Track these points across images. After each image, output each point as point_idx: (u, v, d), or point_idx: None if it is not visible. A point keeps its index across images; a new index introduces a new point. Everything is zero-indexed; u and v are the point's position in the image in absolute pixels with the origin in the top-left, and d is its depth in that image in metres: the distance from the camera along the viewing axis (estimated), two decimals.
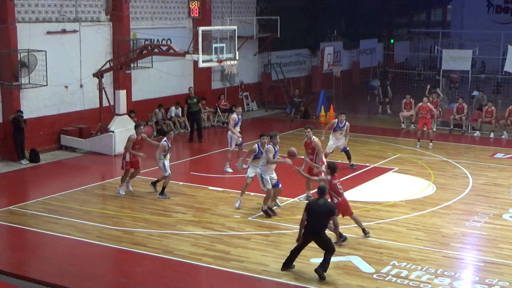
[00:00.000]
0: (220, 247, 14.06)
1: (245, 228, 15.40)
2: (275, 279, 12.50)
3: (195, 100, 26.53)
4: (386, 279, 12.52)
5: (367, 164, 21.69)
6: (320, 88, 34.35)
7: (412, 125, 28.47)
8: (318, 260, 13.16)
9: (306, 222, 12.58)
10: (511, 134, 26.77)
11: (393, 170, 21.06)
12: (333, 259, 13.28)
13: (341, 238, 14.24)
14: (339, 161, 20.96)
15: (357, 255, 13.62)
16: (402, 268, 13.01)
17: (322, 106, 31.19)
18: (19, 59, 21.35)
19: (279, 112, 32.49)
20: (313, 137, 17.54)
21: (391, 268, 12.98)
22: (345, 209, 14.63)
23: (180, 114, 27.62)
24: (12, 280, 12.09)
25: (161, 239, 14.54)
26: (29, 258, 13.84)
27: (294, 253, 12.83)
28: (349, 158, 21.29)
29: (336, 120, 21.63)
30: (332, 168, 14.65)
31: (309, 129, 17.64)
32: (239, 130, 21.18)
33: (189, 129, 26.37)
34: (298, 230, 12.73)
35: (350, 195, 18.03)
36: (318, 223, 12.61)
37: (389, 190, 18.93)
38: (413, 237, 14.85)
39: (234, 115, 21.17)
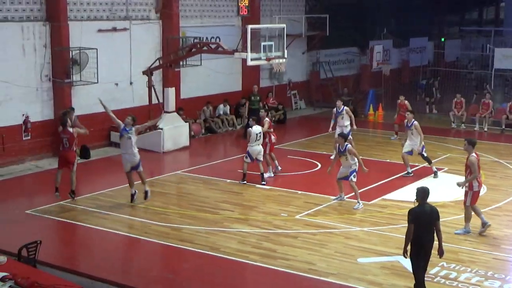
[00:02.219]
0: (267, 245, 14.06)
1: (292, 226, 15.37)
2: (321, 278, 12.44)
3: (258, 98, 26.87)
4: (435, 280, 12.35)
5: (416, 164, 21.42)
6: (369, 86, 34.07)
7: (463, 124, 28.06)
8: (366, 259, 13.08)
9: (412, 234, 11.09)
10: None
11: (442, 170, 20.78)
12: (381, 258, 13.25)
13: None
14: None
15: None
16: (451, 269, 12.83)
17: (371, 104, 30.98)
18: (71, 56, 21.70)
19: (327, 110, 32.23)
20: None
21: (439, 270, 12.81)
22: None
23: (228, 112, 27.72)
24: (62, 274, 12.27)
25: (208, 236, 14.61)
26: (79, 252, 14.06)
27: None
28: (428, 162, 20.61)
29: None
30: None
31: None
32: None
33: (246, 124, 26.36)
34: (404, 244, 11.36)
35: (398, 194, 17.97)
36: (427, 234, 11.22)
37: (438, 190, 18.61)
38: (462, 238, 14.62)
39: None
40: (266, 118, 20.08)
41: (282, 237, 14.60)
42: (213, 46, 22.86)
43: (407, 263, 13.04)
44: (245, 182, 18.97)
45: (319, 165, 21.18)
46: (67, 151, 17.00)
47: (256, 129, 19.08)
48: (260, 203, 17.13)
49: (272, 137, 20.12)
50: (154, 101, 23.59)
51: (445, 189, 18.71)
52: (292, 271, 12.73)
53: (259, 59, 21.67)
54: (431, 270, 12.71)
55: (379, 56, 34.43)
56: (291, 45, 28.99)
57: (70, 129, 17.11)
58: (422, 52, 41.25)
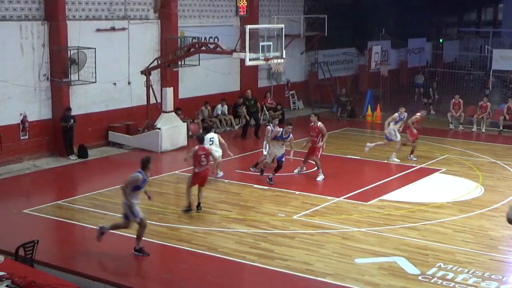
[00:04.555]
0: (264, 245, 14.06)
1: (289, 226, 15.37)
2: (318, 279, 12.44)
3: (252, 101, 26.90)
4: (432, 281, 12.36)
5: (414, 165, 21.46)
6: (367, 87, 34.11)
7: (461, 125, 28.10)
8: (363, 260, 13.10)
9: None
10: None
11: (440, 171, 20.80)
12: (378, 259, 13.27)
13: None
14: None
15: (402, 256, 13.48)
16: (448, 270, 12.83)
17: (369, 105, 30.99)
18: (69, 56, 21.69)
19: (325, 111, 32.31)
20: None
21: (436, 270, 12.81)
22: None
23: (226, 112, 27.72)
24: (60, 273, 12.26)
25: (205, 236, 14.61)
26: (76, 252, 14.05)
27: None
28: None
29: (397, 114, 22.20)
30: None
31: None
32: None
33: (244, 124, 26.59)
34: None
35: (396, 195, 17.96)
36: None
37: (436, 191, 18.69)
38: (459, 239, 14.63)
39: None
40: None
41: (280, 238, 14.60)
42: (211, 46, 22.85)
43: (404, 264, 13.08)
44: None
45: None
46: (206, 170, 16.50)
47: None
48: (258, 204, 17.14)
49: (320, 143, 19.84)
50: (152, 101, 23.57)
51: (443, 190, 18.75)
52: (289, 272, 12.72)
53: (258, 59, 21.67)
54: (428, 271, 12.73)
55: (377, 57, 34.50)
56: (290, 45, 29.02)
57: (207, 146, 17.08)
58: (421, 52, 41.28)
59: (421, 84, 35.55)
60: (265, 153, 19.75)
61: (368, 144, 22.44)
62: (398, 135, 22.04)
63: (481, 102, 28.37)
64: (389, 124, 21.99)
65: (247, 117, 26.78)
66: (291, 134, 18.98)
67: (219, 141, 19.29)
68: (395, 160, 21.88)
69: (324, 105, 33.13)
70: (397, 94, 33.23)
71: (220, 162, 19.69)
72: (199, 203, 16.37)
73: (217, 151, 18.82)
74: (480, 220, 16.04)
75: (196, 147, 16.42)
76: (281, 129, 19.06)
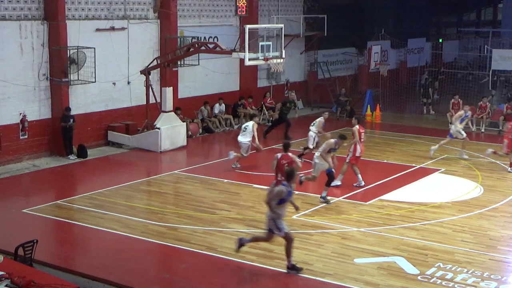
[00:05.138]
0: (264, 245, 14.01)
1: (289, 226, 15.30)
2: (318, 278, 12.45)
3: (292, 105, 26.56)
4: (431, 281, 12.36)
5: (414, 165, 21.47)
6: (366, 87, 34.12)
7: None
8: (363, 260, 13.10)
9: None
10: None
11: (439, 171, 20.80)
12: (377, 259, 13.27)
13: None
14: None
15: (401, 256, 13.48)
16: (447, 270, 12.83)
17: (369, 105, 30.98)
18: (68, 55, 21.69)
19: (324, 111, 32.18)
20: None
21: (436, 270, 12.81)
22: None
23: (224, 110, 27.71)
24: (59, 273, 12.27)
25: (204, 236, 14.61)
26: (75, 252, 14.05)
27: None
28: None
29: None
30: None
31: None
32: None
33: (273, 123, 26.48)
34: None
35: (395, 195, 17.97)
36: None
37: (435, 191, 18.69)
38: (459, 239, 14.64)
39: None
40: (356, 126, 19.05)
41: (279, 237, 14.57)
42: (211, 46, 22.86)
43: (403, 264, 13.08)
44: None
45: None
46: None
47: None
48: (257, 203, 17.11)
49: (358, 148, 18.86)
50: (152, 100, 23.58)
51: (442, 190, 18.76)
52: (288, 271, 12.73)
53: (257, 59, 21.70)
54: (427, 271, 12.73)
55: (377, 57, 34.47)
56: (289, 45, 29.03)
57: (291, 154, 15.97)
58: (420, 53, 41.30)
59: (424, 84, 35.55)
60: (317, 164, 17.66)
61: (432, 147, 22.62)
62: (464, 132, 22.56)
63: (480, 102, 28.36)
64: (455, 123, 22.59)
65: (232, 119, 27.16)
66: None
67: (252, 129, 20.45)
68: (464, 157, 22.39)
69: (323, 105, 33.11)
70: (397, 94, 33.25)
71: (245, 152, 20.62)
72: None
73: (244, 139, 20.39)
74: (479, 220, 16.04)
75: (279, 154, 15.82)
76: (334, 140, 17.53)
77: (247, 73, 29.47)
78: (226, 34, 27.25)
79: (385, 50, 36.78)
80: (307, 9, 34.10)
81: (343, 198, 17.64)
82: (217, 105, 27.58)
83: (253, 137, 20.68)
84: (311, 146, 21.48)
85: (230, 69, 29.03)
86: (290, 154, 15.85)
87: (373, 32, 36.88)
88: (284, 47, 22.81)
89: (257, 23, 27.80)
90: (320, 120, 22.00)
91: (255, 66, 28.32)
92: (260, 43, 21.72)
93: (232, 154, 20.70)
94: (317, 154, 17.74)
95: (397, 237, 14.61)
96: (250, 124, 20.87)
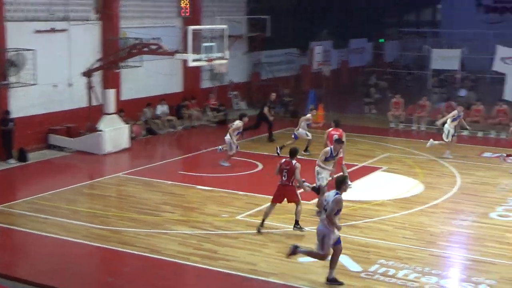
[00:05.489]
0: (208, 246, 14.06)
1: (233, 227, 15.40)
2: (262, 278, 12.50)
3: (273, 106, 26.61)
4: (374, 277, 12.54)
5: (356, 163, 21.72)
6: (309, 87, 34.37)
7: (401, 124, 28.55)
8: (307, 259, 13.18)
9: None
10: (499, 133, 26.87)
11: (381, 169, 21.11)
12: None
13: None
14: None
15: (344, 254, 13.58)
16: (389, 266, 13.04)
17: (312, 105, 31.13)
18: (8, 58, 21.27)
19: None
20: None
21: (378, 267, 13.01)
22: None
23: (167, 112, 27.57)
24: (0, 280, 12.06)
25: (148, 239, 14.52)
26: (17, 258, 13.82)
27: None
28: None
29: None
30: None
31: None
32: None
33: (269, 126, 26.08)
34: None
35: None
36: None
37: (377, 189, 18.97)
38: (400, 236, 14.89)
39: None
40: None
41: (223, 238, 14.62)
42: (154, 47, 22.75)
43: (346, 261, 13.24)
44: None
45: (260, 166, 21.27)
46: (285, 186, 14.98)
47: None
48: (201, 204, 17.11)
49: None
50: (94, 103, 23.31)
51: (384, 188, 19.05)
52: (233, 272, 12.73)
53: (200, 60, 21.70)
54: (370, 268, 12.92)
55: (319, 57, 34.86)
56: (232, 46, 29.02)
57: (294, 161, 15.03)
58: (362, 53, 41.83)
59: (372, 85, 36.00)
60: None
61: (431, 140, 22.90)
62: (452, 133, 22.68)
63: (420, 101, 28.86)
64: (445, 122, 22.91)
65: (176, 120, 27.01)
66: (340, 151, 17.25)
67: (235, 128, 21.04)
68: (449, 157, 22.67)
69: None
70: (339, 94, 33.62)
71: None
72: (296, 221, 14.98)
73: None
74: (420, 216, 16.34)
75: (283, 160, 15.25)
76: (329, 148, 16.88)
77: (191, 74, 29.40)
78: (169, 35, 27.08)
79: (327, 51, 37.18)
80: (250, 10, 34.19)
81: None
82: (159, 106, 27.42)
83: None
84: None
85: (173, 70, 28.90)
86: (293, 161, 15.06)
87: (315, 32, 37.21)
88: (227, 48, 22.85)
89: (200, 24, 27.77)
90: (308, 116, 23.21)
91: (199, 67, 28.24)
92: (204, 44, 21.72)
93: (220, 147, 21.28)
94: (317, 168, 16.62)
95: (341, 235, 14.71)
96: (235, 124, 21.23)
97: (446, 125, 22.74)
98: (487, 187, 19.22)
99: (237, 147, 21.16)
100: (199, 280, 12.82)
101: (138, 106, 26.83)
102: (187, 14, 29.01)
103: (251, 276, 12.58)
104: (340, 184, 12.24)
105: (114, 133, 23.28)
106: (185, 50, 21.47)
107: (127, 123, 24.40)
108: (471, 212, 16.61)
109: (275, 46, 35.63)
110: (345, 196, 15.01)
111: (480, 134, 27.09)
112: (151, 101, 27.20)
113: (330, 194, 12.21)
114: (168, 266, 13.10)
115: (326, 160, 16.57)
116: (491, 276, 12.67)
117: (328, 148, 16.87)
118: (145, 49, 22.94)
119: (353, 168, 21.04)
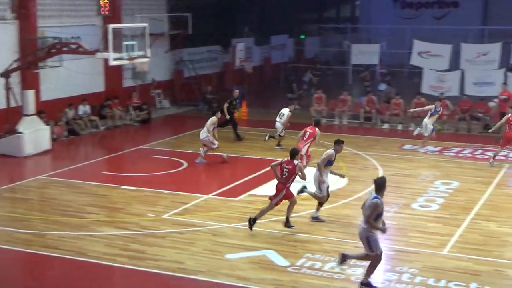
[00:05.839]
0: (135, 247, 13.93)
1: (159, 226, 15.30)
2: (191, 277, 12.48)
3: (236, 101, 26.07)
4: (301, 271, 12.68)
5: (280, 159, 21.77)
6: (232, 84, 34.45)
7: (324, 119, 28.91)
8: (234, 255, 13.25)
9: None
10: (418, 125, 27.51)
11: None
12: (248, 253, 13.46)
13: None
14: None
15: (272, 249, 13.74)
16: (316, 260, 13.21)
17: None
18: None
19: (191, 109, 32.42)
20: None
21: (305, 261, 13.16)
22: None
23: (89, 112, 27.13)
24: None
25: (73, 241, 14.28)
26: None
27: None
28: None
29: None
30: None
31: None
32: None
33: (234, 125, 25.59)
34: None
35: (264, 189, 18.22)
36: None
37: (303, 183, 19.09)
38: (326, 229, 15.10)
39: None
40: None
41: (150, 238, 14.52)
42: (73, 47, 22.36)
43: (274, 257, 13.35)
44: None
45: (185, 164, 21.19)
46: (281, 184, 14.84)
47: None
48: (127, 205, 16.93)
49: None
50: (13, 104, 22.72)
51: (310, 182, 19.22)
52: (161, 271, 12.67)
53: (122, 59, 21.47)
54: (297, 262, 13.06)
55: (241, 54, 34.97)
56: (154, 44, 28.78)
57: (296, 161, 14.84)
58: (283, 49, 42.15)
59: (305, 81, 36.34)
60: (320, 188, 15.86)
61: (418, 128, 23.23)
62: (430, 128, 22.96)
63: (342, 96, 29.31)
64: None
65: (98, 120, 26.64)
66: None
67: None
68: (421, 150, 23.14)
69: (190, 103, 33.16)
70: (262, 90, 33.81)
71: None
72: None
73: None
74: (344, 209, 16.62)
75: (285, 159, 15.06)
76: (333, 150, 15.78)
77: (112, 74, 29.01)
78: (89, 34, 26.62)
79: (249, 47, 37.31)
80: (170, 7, 33.98)
81: (213, 195, 17.75)
82: (81, 106, 26.96)
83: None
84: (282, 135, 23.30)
85: (95, 69, 28.45)
86: (295, 161, 14.91)
87: (237, 29, 37.31)
88: (149, 46, 22.68)
89: (120, 23, 27.37)
90: (288, 113, 23.29)
91: (120, 66, 27.92)
92: (125, 43, 21.48)
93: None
94: (316, 173, 15.83)
95: (267, 231, 14.88)
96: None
97: (425, 120, 23.14)
98: (408, 178, 19.70)
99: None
100: (126, 281, 12.71)
101: (59, 107, 26.30)
102: (107, 12, 28.60)
103: (178, 274, 12.55)
104: (380, 187, 11.65)
105: (35, 134, 22.76)
106: (106, 49, 21.20)
107: (48, 124, 23.88)
108: (394, 204, 16.97)
109: (197, 43, 35.56)
110: (272, 192, 15.21)
111: (400, 127, 27.74)
112: (72, 101, 26.69)
113: (369, 198, 11.79)
114: (94, 268, 12.91)
115: (328, 165, 15.68)
116: (414, 265, 13.01)
117: (332, 151, 15.66)
118: (65, 48, 22.52)
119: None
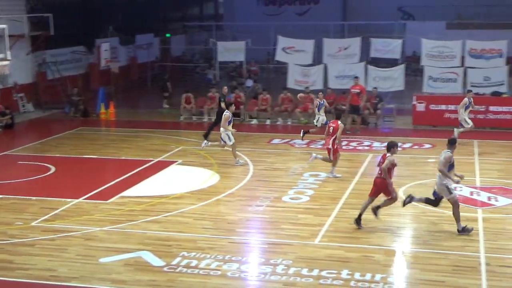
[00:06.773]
0: (3, 257, 13.41)
1: (28, 234, 14.80)
2: (64, 284, 12.18)
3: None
4: (177, 270, 12.67)
5: (151, 159, 21.71)
6: (98, 85, 33.79)
7: (194, 117, 28.96)
8: (108, 259, 13.05)
9: None
10: (285, 120, 28.15)
11: (177, 163, 21.28)
12: (122, 256, 13.31)
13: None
14: None
15: (146, 250, 13.64)
16: (191, 258, 13.23)
17: (102, 103, 30.70)
18: None
19: (57, 111, 31.54)
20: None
21: (181, 259, 13.15)
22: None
23: None
24: None
25: None
26: None
27: None
28: None
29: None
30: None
31: None
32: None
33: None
34: None
35: (136, 190, 18.09)
36: None
37: (174, 182, 19.12)
38: (200, 227, 15.15)
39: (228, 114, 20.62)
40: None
41: (19, 247, 14.02)
42: None
43: (149, 257, 13.26)
44: None
45: (53, 169, 20.60)
46: (377, 179, 14.93)
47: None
48: None
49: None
50: None
51: (181, 181, 19.26)
52: (32, 281, 12.28)
53: None
54: (173, 261, 13.03)
55: (106, 54, 34.35)
56: (14, 46, 27.82)
57: (388, 154, 14.66)
58: (149, 48, 41.78)
59: (211, 79, 36.10)
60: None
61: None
62: (470, 121, 23.28)
63: (209, 93, 29.42)
64: (460, 110, 23.42)
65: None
66: None
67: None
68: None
69: (55, 106, 32.23)
70: (129, 90, 33.41)
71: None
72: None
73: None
74: (217, 206, 16.74)
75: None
76: (450, 153, 14.52)
77: None
78: None
79: (114, 47, 36.71)
80: (30, 8, 32.85)
81: (83, 199, 17.37)
82: None
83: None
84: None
85: None
86: (388, 153, 14.61)
87: (102, 29, 36.63)
88: (8, 49, 21.88)
89: None
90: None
91: None
92: None
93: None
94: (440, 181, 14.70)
95: (141, 232, 14.76)
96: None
97: (461, 115, 23.45)
98: (278, 172, 20.09)
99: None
100: None
101: None
102: None
103: (51, 282, 12.21)
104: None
105: None
106: None
107: None
108: (265, 198, 17.27)
109: (60, 44, 34.57)
110: (144, 192, 15.10)
111: (268, 122, 28.23)
112: None
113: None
114: None
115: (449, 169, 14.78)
116: (288, 256, 13.30)
117: (448, 153, 14.42)
118: None
119: (149, 164, 21.06)
